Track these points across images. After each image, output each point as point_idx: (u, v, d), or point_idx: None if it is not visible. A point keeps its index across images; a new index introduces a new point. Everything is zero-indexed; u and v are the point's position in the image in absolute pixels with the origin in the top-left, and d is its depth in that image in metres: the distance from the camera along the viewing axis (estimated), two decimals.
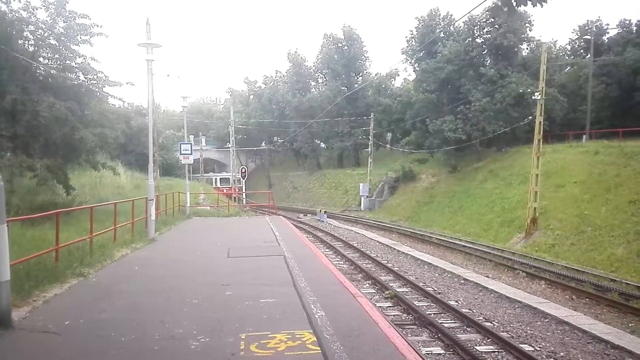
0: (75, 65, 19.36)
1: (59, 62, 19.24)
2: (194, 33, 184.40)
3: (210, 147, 79.17)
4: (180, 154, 25.81)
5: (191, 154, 25.53)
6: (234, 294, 8.84)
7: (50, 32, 18.73)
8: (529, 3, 5.05)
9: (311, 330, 6.66)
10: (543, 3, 5.02)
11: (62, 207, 16.13)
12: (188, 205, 27.60)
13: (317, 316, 7.30)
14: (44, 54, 19.28)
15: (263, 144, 76.67)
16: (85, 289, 9.28)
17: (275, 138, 72.69)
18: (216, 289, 9.25)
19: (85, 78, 19.70)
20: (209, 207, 32.70)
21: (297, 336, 6.44)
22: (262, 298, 8.43)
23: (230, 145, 56.29)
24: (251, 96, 76.36)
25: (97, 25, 19.12)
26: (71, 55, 19.10)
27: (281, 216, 30.16)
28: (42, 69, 18.89)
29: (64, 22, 18.86)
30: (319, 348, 6.02)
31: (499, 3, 5.15)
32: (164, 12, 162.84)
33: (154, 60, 16.22)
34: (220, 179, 67.64)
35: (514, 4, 5.09)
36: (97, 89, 20.07)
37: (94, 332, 6.73)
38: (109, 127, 21.21)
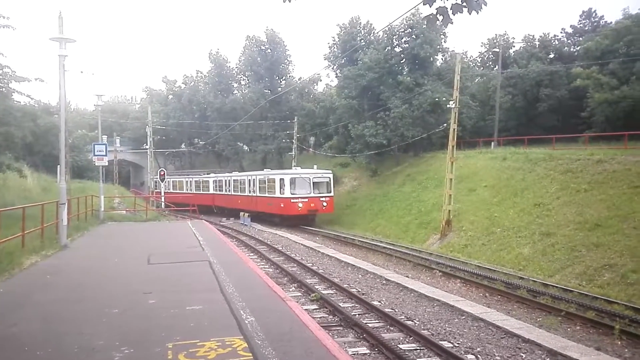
0: None
1: None
2: (110, 28, 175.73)
3: (125, 148, 75.70)
4: (94, 155, 24.50)
5: (106, 155, 24.32)
6: (157, 302, 8.54)
7: None
8: (465, 10, 5.24)
9: (242, 336, 6.59)
10: (478, 10, 5.24)
11: None
12: (102, 209, 26.27)
13: (247, 322, 7.23)
14: None
15: (183, 146, 74.49)
16: None
17: (195, 140, 70.92)
18: (138, 297, 8.89)
19: None
20: (124, 212, 31.27)
21: (227, 343, 6.35)
22: (188, 305, 8.21)
23: (147, 147, 53.89)
24: (170, 96, 73.99)
25: (3, 17, 17.71)
26: None
27: (203, 220, 29.51)
28: None
29: None
30: (250, 354, 5.97)
31: (435, 12, 5.32)
32: (77, 6, 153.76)
33: (67, 55, 15.31)
34: (194, 181, 49.70)
35: (450, 12, 5.27)
36: (2, 85, 18.57)
37: (4, 347, 6.23)
38: (15, 125, 19.70)
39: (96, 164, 25.67)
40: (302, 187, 32.27)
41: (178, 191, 51.57)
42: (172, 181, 53.61)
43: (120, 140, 68.00)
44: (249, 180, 37.93)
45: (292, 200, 31.62)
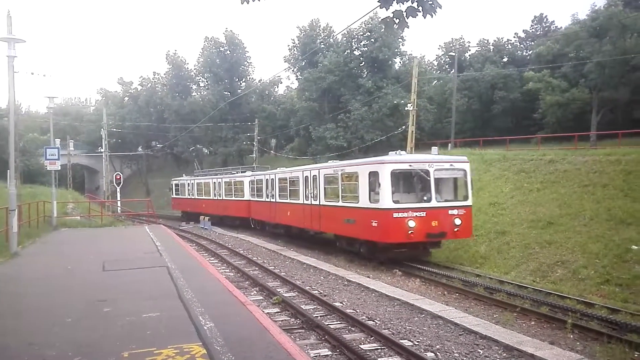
0: None
1: None
2: (63, 28, 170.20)
3: (79, 151, 73.40)
4: (46, 159, 23.64)
5: (58, 159, 23.54)
6: (112, 310, 8.30)
7: None
8: (419, 14, 5.34)
9: (200, 343, 6.46)
10: (432, 14, 5.34)
11: None
12: (55, 215, 25.40)
13: (206, 328, 7.10)
14: None
15: (140, 149, 72.91)
16: None
17: (153, 142, 69.54)
18: (92, 305, 8.61)
19: None
20: (78, 217, 30.30)
21: (185, 350, 6.21)
22: (144, 313, 8.00)
23: (102, 150, 52.31)
24: (126, 98, 72.34)
25: None
26: None
27: (162, 225, 28.92)
28: None
29: None
30: None
31: (391, 16, 5.39)
32: (28, 5, 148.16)
33: (16, 56, 14.72)
34: (224, 183, 35.57)
35: (405, 15, 5.35)
36: None
37: None
38: None
39: (48, 169, 24.80)
40: (415, 189, 16.96)
41: (205, 197, 39.24)
42: (197, 183, 41.16)
43: (73, 144, 66.06)
44: (306, 176, 21.93)
45: (395, 216, 15.99)
